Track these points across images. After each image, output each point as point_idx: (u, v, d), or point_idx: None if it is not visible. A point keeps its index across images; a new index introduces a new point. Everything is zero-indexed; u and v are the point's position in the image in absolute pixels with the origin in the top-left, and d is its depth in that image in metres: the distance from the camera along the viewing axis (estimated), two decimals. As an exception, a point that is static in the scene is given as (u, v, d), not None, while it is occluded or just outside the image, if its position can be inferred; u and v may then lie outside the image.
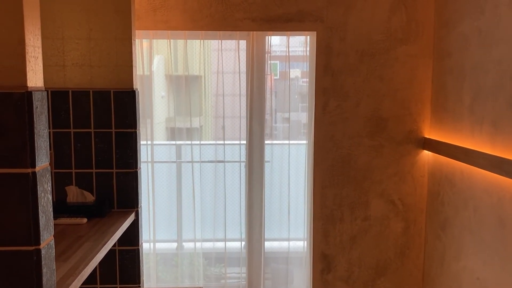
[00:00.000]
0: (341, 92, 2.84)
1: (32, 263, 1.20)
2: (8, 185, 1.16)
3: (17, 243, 1.18)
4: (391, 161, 2.90)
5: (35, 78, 1.20)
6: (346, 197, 2.91)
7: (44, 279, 1.22)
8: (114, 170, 2.30)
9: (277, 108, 3.12)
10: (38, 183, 1.18)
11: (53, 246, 1.28)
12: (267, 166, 3.00)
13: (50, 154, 2.27)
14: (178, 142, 3.01)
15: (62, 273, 1.52)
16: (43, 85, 1.24)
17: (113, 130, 2.28)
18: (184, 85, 2.89)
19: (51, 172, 2.29)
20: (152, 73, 2.89)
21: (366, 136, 2.88)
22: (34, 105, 1.17)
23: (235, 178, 3.02)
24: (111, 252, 2.33)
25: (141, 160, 2.59)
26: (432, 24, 2.80)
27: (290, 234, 3.04)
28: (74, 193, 2.24)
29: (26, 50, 1.15)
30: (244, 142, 2.96)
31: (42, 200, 1.21)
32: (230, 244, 3.04)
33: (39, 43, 1.22)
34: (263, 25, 2.76)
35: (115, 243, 2.32)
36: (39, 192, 1.19)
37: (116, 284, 2.36)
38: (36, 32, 1.21)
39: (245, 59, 2.90)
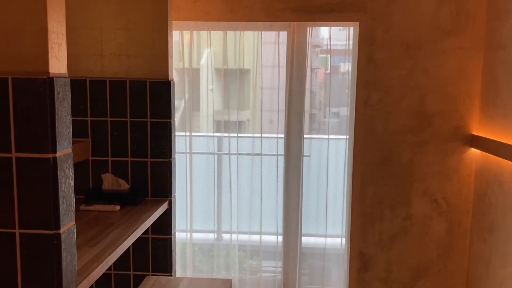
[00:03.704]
0: (384, 86, 2.73)
1: (52, 247, 1.21)
2: (29, 169, 1.18)
3: (38, 226, 1.21)
4: (436, 158, 2.76)
5: (58, 64, 1.21)
6: (386, 194, 2.81)
7: (64, 263, 1.24)
8: (149, 159, 2.33)
9: (325, 103, 3.02)
10: (58, 168, 1.20)
11: (74, 231, 1.30)
12: (305, 161, 2.93)
13: (87, 142, 2.32)
14: (216, 134, 3.00)
15: (88, 258, 1.55)
16: (66, 72, 1.25)
17: (149, 120, 2.30)
18: (233, 79, 2.86)
19: (89, 160, 2.36)
20: (201, 66, 2.89)
21: (409, 132, 2.76)
22: (55, 91, 1.18)
23: (272, 171, 2.98)
24: (144, 240, 2.36)
25: (181, 150, 2.59)
26: (484, 15, 2.64)
27: (328, 230, 2.97)
28: (109, 181, 2.28)
29: (49, 37, 1.17)
30: (282, 135, 2.91)
31: (63, 186, 1.22)
32: (266, 238, 3.01)
33: (63, 29, 1.23)
34: (303, 15, 2.69)
35: (148, 231, 2.35)
36: (59, 177, 1.20)
37: (149, 271, 2.39)
38: (60, 19, 1.22)
39: (285, 52, 2.84)
